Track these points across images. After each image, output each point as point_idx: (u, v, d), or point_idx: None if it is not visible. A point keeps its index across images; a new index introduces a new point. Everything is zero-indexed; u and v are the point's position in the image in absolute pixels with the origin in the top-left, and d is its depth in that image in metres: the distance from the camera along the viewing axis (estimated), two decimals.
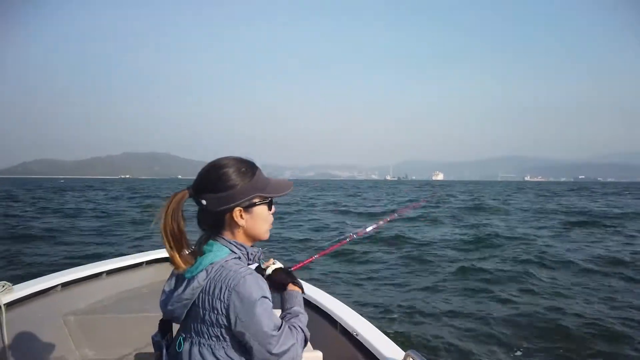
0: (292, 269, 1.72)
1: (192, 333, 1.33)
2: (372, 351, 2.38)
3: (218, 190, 1.35)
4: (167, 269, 4.25)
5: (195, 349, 1.30)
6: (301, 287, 1.62)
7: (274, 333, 1.29)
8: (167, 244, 1.32)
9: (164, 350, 1.41)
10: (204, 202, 1.36)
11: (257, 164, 1.45)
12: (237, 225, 1.39)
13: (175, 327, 1.45)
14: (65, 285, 3.20)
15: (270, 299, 1.35)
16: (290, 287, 1.58)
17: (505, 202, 34.98)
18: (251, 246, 1.44)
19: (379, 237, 13.30)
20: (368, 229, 2.41)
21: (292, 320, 1.43)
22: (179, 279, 1.37)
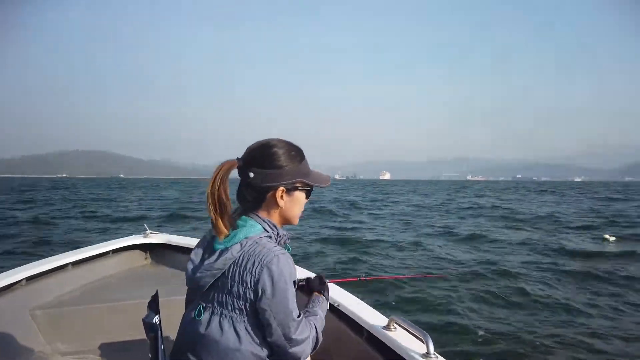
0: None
1: (215, 303, 1.35)
2: (357, 320, 2.38)
3: (267, 167, 1.38)
4: (133, 257, 4.14)
5: (216, 319, 1.33)
6: (327, 299, 1.65)
7: (296, 317, 1.33)
8: (211, 207, 1.32)
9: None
10: (251, 174, 1.38)
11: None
12: (276, 205, 1.41)
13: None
14: (29, 279, 3.06)
15: (296, 285, 1.39)
16: (317, 294, 1.63)
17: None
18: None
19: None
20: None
21: (311, 317, 1.47)
22: (208, 249, 1.40)
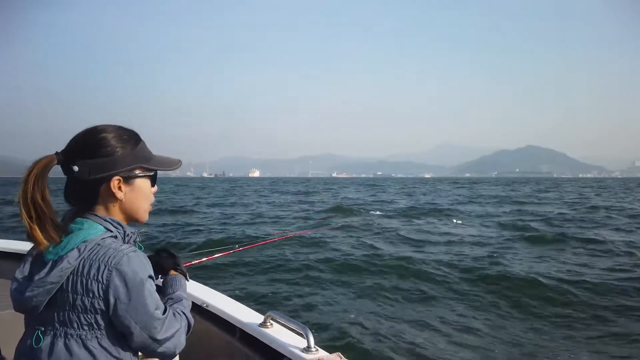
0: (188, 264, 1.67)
1: (56, 324, 1.12)
2: (228, 319, 2.22)
3: (95, 156, 1.16)
4: None
5: (60, 342, 1.10)
6: (185, 273, 1.49)
7: (159, 316, 1.16)
8: (24, 215, 1.09)
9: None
10: (75, 168, 1.16)
11: None
12: (114, 198, 1.21)
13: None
14: None
15: (155, 280, 1.22)
16: (173, 272, 1.46)
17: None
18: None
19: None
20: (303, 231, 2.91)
21: (176, 305, 1.31)
22: (37, 262, 1.15)
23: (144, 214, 1.29)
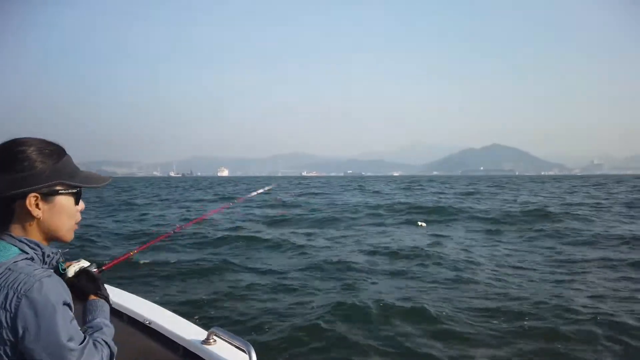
0: (105, 267, 1.50)
1: None
2: (170, 336, 2.20)
3: (11, 171, 1.08)
4: None
5: None
6: (107, 298, 1.37)
7: (74, 347, 1.05)
8: None
9: None
10: None
11: None
12: (30, 217, 1.12)
13: None
14: None
15: (72, 307, 1.12)
16: (93, 297, 1.33)
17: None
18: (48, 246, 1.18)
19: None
20: (189, 225, 2.73)
21: (96, 334, 1.20)
22: None
23: (66, 233, 1.20)
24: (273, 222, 16.45)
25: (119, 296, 2.64)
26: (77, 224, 1.23)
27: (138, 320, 2.40)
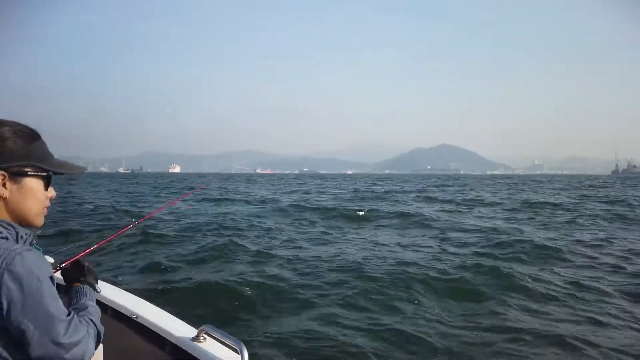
0: (63, 265, 1.45)
1: None
2: (158, 332, 2.16)
3: None
4: None
5: None
6: (93, 285, 1.38)
7: (63, 317, 1.06)
8: None
9: None
10: None
11: None
12: None
13: None
14: None
15: (55, 281, 1.11)
16: (77, 284, 1.35)
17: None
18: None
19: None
20: (149, 215, 2.68)
21: (82, 313, 1.21)
22: None
23: (35, 218, 1.18)
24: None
25: (102, 288, 2.33)
26: (45, 209, 1.21)
27: (124, 314, 2.32)
